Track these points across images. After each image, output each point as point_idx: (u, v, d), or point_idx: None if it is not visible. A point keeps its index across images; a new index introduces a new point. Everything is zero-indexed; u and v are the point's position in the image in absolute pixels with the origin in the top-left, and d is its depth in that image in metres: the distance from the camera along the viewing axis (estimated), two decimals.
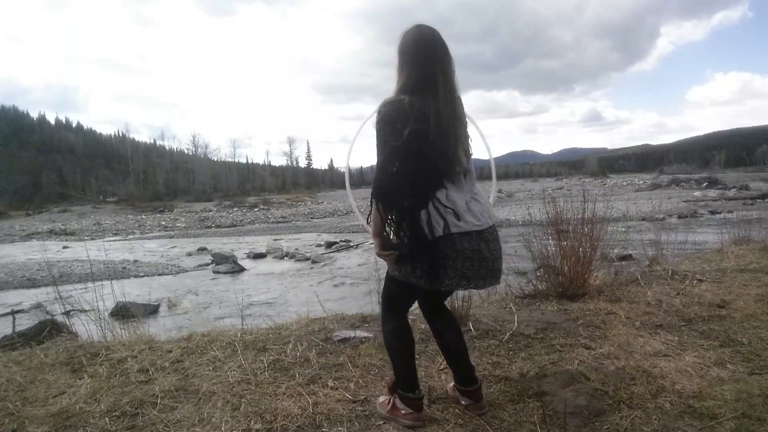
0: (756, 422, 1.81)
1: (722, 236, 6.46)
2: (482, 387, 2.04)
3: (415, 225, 1.67)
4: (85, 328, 3.46)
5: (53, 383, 2.42)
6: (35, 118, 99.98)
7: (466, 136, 1.79)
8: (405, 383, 1.91)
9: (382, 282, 1.93)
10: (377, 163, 1.68)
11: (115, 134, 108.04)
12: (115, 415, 2.05)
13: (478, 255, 1.71)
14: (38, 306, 7.46)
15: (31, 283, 11.42)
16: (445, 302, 2.10)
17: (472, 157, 1.84)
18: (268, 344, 2.80)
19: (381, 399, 2.04)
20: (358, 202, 2.52)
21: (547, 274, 3.78)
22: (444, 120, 1.65)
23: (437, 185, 1.68)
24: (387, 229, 1.74)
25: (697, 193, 32.26)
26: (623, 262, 5.07)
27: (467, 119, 1.82)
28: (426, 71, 1.68)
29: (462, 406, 2.01)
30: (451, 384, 2.11)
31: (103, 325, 3.33)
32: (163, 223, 32.24)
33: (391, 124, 1.62)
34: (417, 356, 2.56)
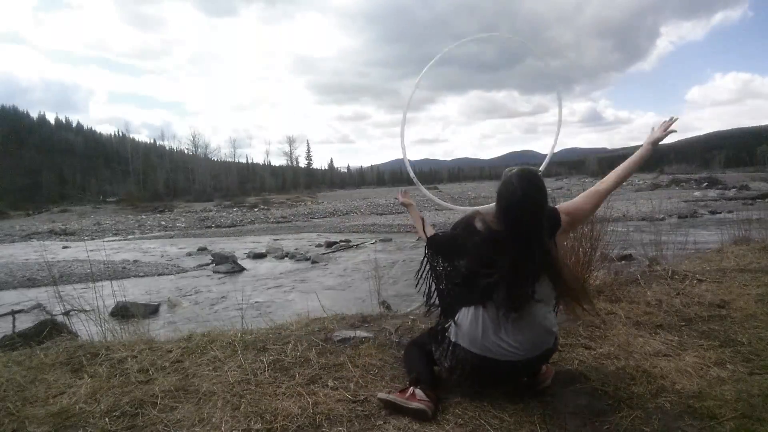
0: (756, 422, 1.81)
1: (722, 236, 6.45)
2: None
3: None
4: (85, 328, 3.45)
5: (53, 383, 2.42)
6: (35, 118, 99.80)
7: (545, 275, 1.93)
8: (428, 380, 2.07)
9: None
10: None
11: (115, 134, 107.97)
12: (115, 415, 2.05)
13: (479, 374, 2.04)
14: (38, 306, 7.45)
15: (31, 283, 11.43)
16: None
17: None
18: (268, 344, 2.79)
19: (392, 393, 2.03)
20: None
21: None
22: (519, 268, 1.86)
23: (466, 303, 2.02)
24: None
25: (697, 193, 32.26)
26: (623, 262, 5.06)
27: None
28: (510, 224, 1.89)
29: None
30: None
31: (103, 325, 3.32)
32: (163, 223, 32.24)
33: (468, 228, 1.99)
34: None
